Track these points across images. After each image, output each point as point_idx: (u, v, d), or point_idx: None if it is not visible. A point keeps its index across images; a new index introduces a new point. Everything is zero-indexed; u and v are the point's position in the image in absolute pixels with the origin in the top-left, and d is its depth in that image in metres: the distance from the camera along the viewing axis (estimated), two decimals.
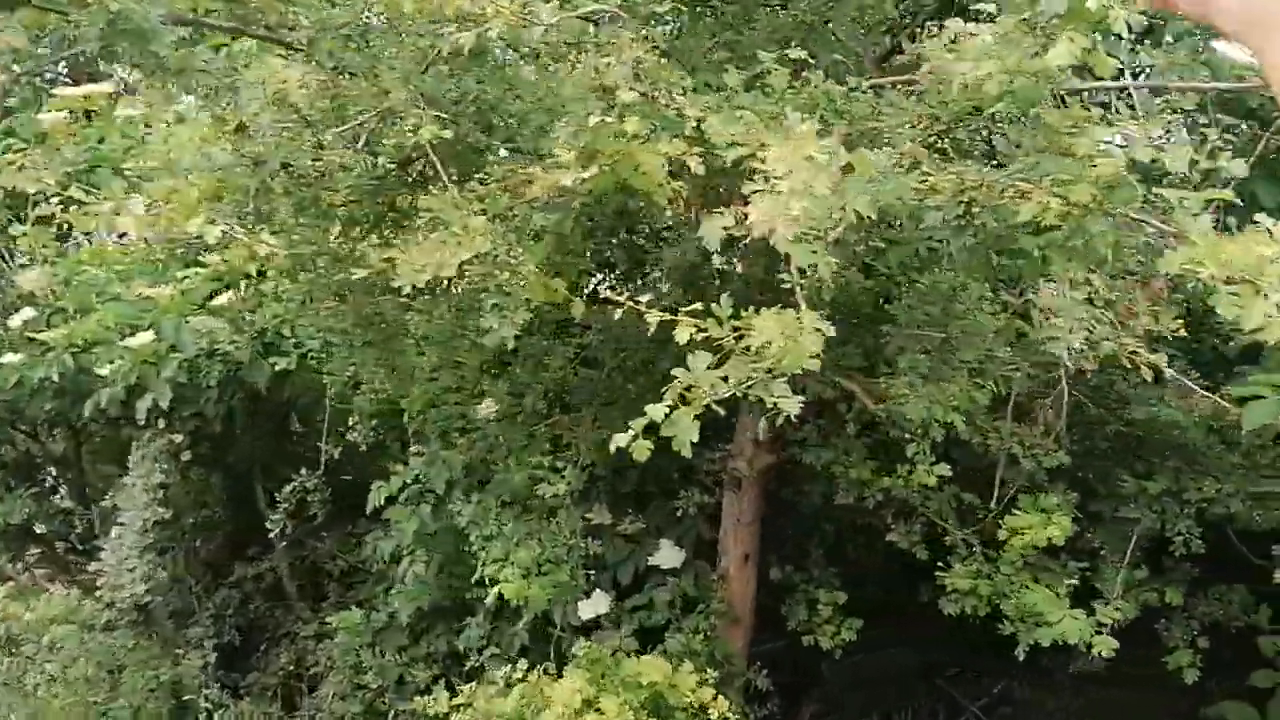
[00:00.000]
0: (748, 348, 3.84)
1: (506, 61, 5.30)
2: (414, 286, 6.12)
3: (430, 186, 6.32)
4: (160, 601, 9.88)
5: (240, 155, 4.17)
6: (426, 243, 4.20)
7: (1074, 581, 5.64)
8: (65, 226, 4.46)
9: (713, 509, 7.62)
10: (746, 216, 3.38)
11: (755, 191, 3.44)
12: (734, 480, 7.30)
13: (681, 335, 3.83)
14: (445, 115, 4.68)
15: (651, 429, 7.24)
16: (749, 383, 3.66)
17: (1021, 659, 5.61)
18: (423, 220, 4.50)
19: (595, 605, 7.46)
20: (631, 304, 3.96)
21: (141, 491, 8.70)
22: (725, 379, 3.66)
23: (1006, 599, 5.64)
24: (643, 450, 3.93)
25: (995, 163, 4.48)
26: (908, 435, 5.86)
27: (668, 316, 3.91)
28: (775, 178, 3.14)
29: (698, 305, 3.88)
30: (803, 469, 7.80)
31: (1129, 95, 4.96)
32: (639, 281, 7.79)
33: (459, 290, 5.33)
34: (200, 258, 7.26)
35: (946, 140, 4.37)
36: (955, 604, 5.99)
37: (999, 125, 4.31)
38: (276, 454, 10.24)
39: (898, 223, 4.51)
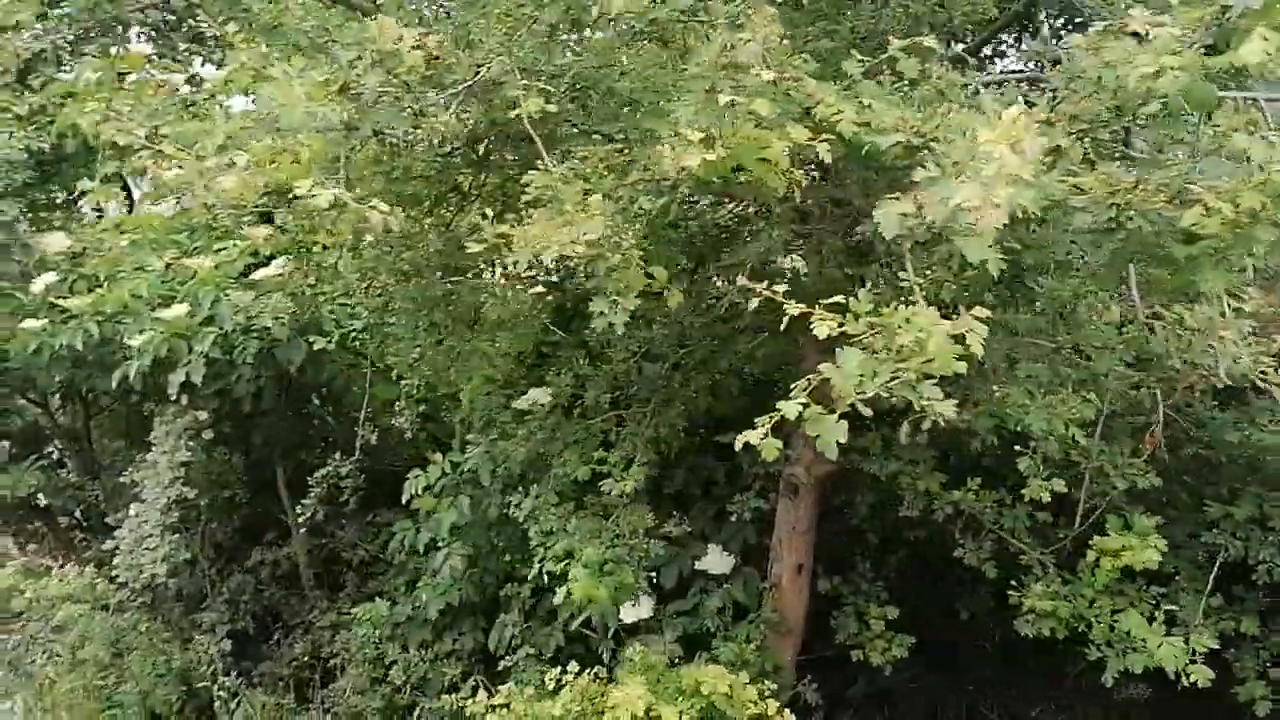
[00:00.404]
0: (885, 346, 3.67)
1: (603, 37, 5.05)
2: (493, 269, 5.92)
3: (490, 168, 6.15)
4: (172, 584, 9.59)
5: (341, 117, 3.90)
6: (544, 221, 3.96)
7: (1173, 607, 5.43)
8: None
9: (764, 515, 7.39)
10: (921, 205, 3.19)
11: (929, 178, 3.24)
12: (791, 487, 7.07)
13: (821, 330, 3.64)
14: (543, 88, 4.43)
15: (710, 429, 7.04)
16: (895, 382, 3.46)
17: (1109, 684, 5.40)
18: (529, 197, 4.28)
19: (638, 608, 7.22)
20: (769, 293, 3.75)
21: (166, 469, 8.39)
22: (873, 377, 3.46)
23: (1095, 623, 5.43)
24: (771, 450, 3.74)
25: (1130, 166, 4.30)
26: (1017, 448, 5.65)
27: (805, 309, 3.73)
28: (967, 163, 2.93)
29: (838, 299, 3.72)
30: (853, 477, 7.61)
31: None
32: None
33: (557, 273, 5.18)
34: (243, 228, 7.03)
35: (1086, 141, 4.16)
36: (1032, 625, 5.78)
37: (1142, 126, 4.09)
38: (300, 437, 9.97)
39: (1041, 223, 4.29)
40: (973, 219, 2.71)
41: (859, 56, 4.51)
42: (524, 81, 4.46)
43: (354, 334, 7.50)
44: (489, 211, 4.06)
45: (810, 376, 3.82)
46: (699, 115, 4.14)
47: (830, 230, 5.54)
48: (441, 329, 6.07)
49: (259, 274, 7.99)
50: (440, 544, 7.94)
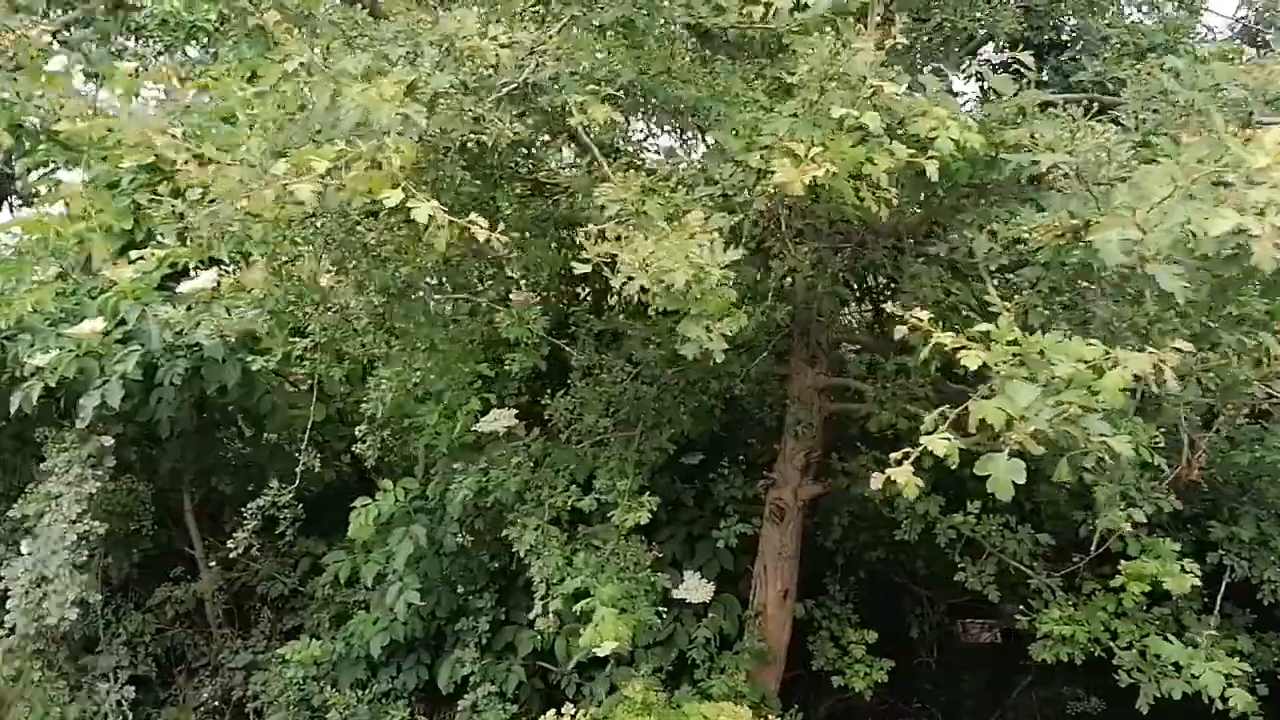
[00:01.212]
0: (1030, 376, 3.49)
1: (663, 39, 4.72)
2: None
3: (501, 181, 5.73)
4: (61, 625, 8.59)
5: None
6: (644, 240, 3.62)
7: (1213, 632, 5.48)
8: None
9: (743, 540, 7.16)
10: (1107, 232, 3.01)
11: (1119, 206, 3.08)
12: (777, 511, 6.87)
13: (972, 363, 3.43)
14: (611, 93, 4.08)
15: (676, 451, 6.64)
16: (1061, 418, 3.27)
17: (1145, 712, 5.39)
18: (609, 213, 3.92)
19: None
20: (916, 320, 3.51)
21: (71, 502, 7.48)
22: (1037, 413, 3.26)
23: (1119, 648, 5.43)
24: (911, 488, 3.51)
25: None
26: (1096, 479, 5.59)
27: (955, 338, 3.51)
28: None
29: (984, 327, 3.52)
30: (830, 500, 7.50)
31: None
32: None
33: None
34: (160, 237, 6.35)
35: None
36: (1049, 650, 5.75)
37: None
38: (212, 463, 9.13)
39: None
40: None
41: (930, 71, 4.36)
42: (591, 87, 4.10)
43: (302, 351, 6.81)
44: (595, 228, 3.65)
45: (944, 409, 3.62)
46: (798, 128, 3.89)
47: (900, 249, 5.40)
48: (442, 350, 5.58)
49: (187, 286, 7.25)
50: (391, 577, 7.36)
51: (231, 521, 9.36)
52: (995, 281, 5.89)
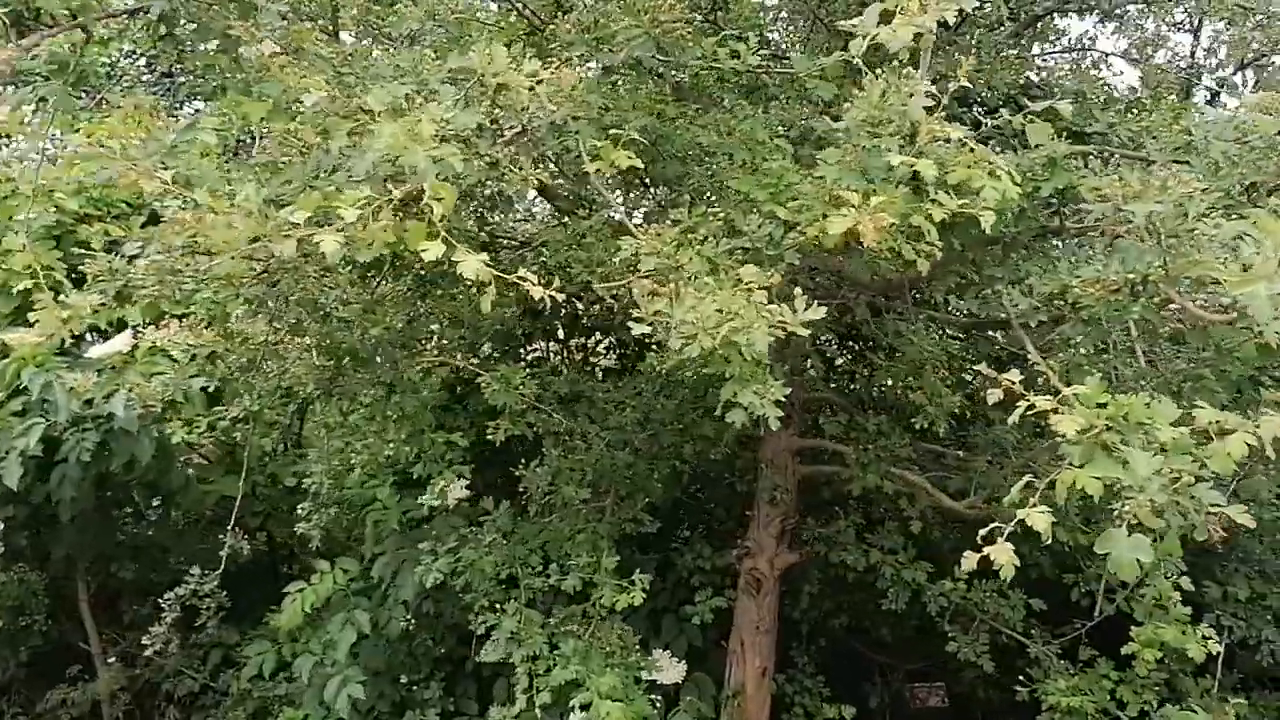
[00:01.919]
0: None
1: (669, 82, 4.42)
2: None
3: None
4: None
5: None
6: (696, 298, 3.26)
7: (1241, 701, 5.31)
8: None
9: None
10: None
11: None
12: (754, 582, 6.51)
13: (1068, 427, 3.15)
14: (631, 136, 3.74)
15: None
16: (1179, 485, 3.01)
17: None
18: (646, 267, 3.55)
19: None
20: (1010, 383, 3.21)
21: None
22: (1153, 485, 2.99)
23: (1138, 717, 5.22)
24: (1009, 567, 3.20)
25: None
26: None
27: (1049, 400, 3.22)
28: None
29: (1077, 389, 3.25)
30: (801, 568, 7.18)
31: None
32: None
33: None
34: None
35: None
36: None
37: None
38: (110, 547, 8.23)
39: None
40: None
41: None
42: (613, 130, 3.75)
43: (232, 422, 6.15)
44: (650, 286, 3.27)
45: (1031, 479, 3.34)
46: (845, 177, 3.61)
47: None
48: (411, 417, 5.06)
49: (97, 350, 6.56)
50: (331, 669, 6.67)
51: (131, 612, 8.52)
52: (995, 336, 5.75)
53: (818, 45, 4.86)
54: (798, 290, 3.15)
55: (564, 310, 7.18)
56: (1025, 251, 4.53)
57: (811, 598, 7.43)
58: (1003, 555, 3.11)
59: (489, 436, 5.18)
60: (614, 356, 8.40)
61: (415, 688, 7.12)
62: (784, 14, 5.68)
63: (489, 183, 3.67)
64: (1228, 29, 10.15)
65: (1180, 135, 4.31)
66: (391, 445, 4.93)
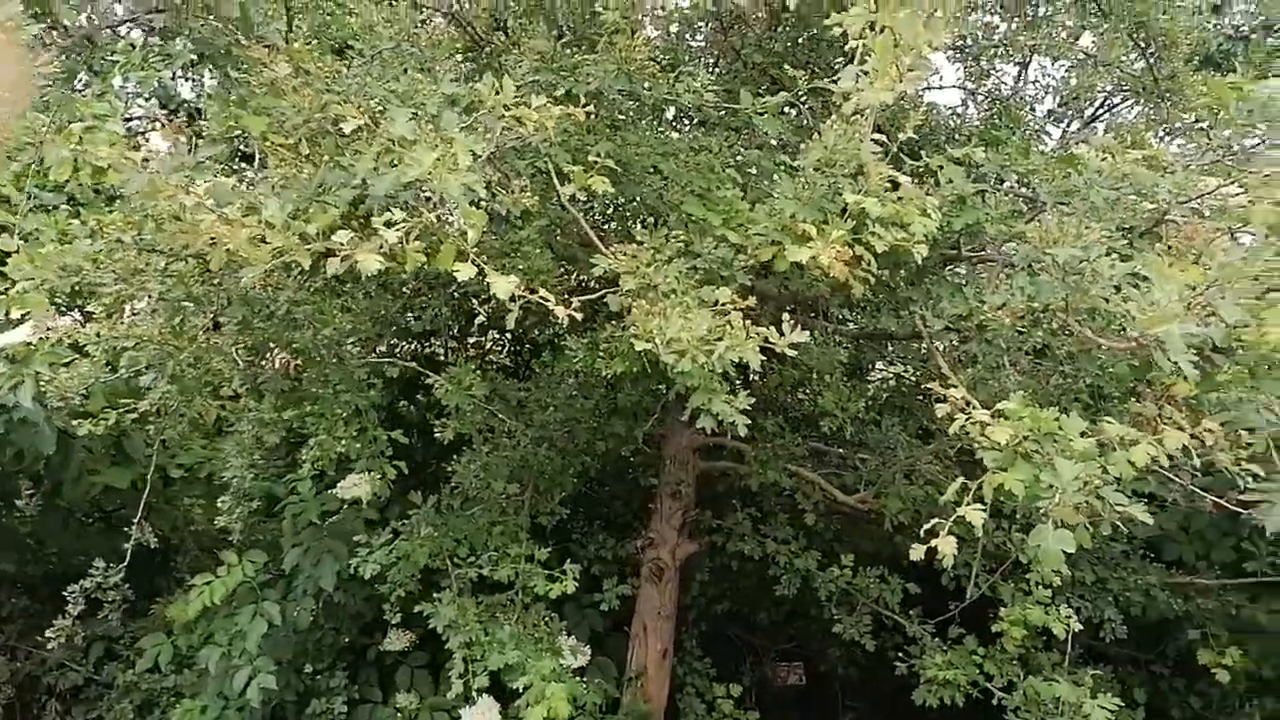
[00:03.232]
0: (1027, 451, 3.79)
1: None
2: None
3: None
4: None
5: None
6: (679, 317, 3.64)
7: (1097, 671, 6.05)
8: None
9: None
10: None
11: None
12: (656, 571, 6.94)
13: (999, 436, 3.68)
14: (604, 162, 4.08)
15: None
16: (1089, 488, 3.58)
17: None
18: (627, 286, 3.91)
19: (484, 713, 6.62)
20: (952, 398, 3.71)
21: None
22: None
23: (1013, 690, 5.90)
24: (950, 556, 3.69)
25: None
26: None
27: (986, 415, 3.74)
28: None
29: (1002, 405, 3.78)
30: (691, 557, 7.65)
31: None
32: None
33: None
34: None
35: None
36: (933, 694, 6.15)
37: None
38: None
39: None
40: None
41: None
42: (592, 158, 4.07)
43: (144, 417, 6.11)
44: (646, 306, 3.60)
45: (964, 481, 3.84)
46: (803, 211, 4.06)
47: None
48: (364, 415, 5.22)
49: (2, 339, 6.38)
50: (239, 660, 6.71)
51: (9, 605, 8.24)
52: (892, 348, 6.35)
53: (761, 87, 5.29)
54: (786, 315, 3.56)
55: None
56: (934, 277, 5.11)
57: (701, 585, 7.92)
58: (946, 548, 3.60)
59: (436, 435, 5.41)
60: (509, 356, 8.68)
61: (320, 677, 7.23)
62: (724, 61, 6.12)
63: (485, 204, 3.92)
64: (1054, 64, 11.21)
65: (1063, 180, 4.96)
66: (343, 443, 5.08)
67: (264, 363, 5.86)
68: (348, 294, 5.91)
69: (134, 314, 5.56)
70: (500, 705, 6.45)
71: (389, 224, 3.10)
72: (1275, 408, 4.32)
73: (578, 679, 5.59)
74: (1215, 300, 3.23)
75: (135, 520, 6.55)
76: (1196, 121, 6.89)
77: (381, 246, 3.07)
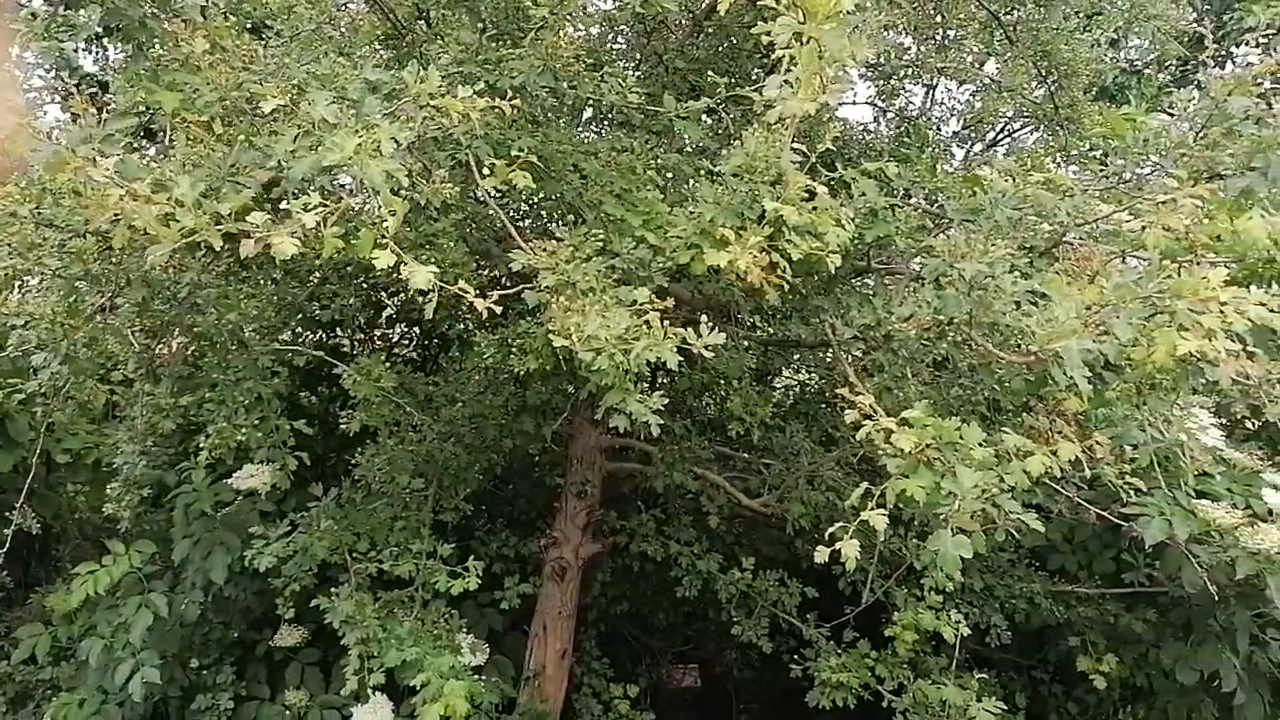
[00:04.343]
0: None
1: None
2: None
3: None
4: None
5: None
6: (597, 315, 3.65)
7: (983, 675, 6.24)
8: None
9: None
10: None
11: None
12: (559, 570, 6.93)
13: (904, 443, 3.78)
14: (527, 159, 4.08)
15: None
16: (986, 496, 3.70)
17: None
18: (547, 282, 3.90)
19: (376, 712, 6.53)
20: (861, 405, 3.79)
21: None
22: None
23: (902, 693, 6.05)
24: (852, 561, 3.77)
25: None
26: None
27: (891, 421, 3.83)
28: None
29: (908, 413, 3.88)
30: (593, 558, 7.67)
31: None
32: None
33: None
34: None
35: None
36: (826, 696, 6.27)
37: None
38: None
39: None
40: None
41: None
42: (515, 152, 4.06)
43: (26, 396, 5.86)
44: (564, 302, 3.60)
45: (868, 486, 3.93)
46: (722, 216, 4.10)
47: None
48: (266, 404, 5.08)
49: None
50: (121, 653, 6.47)
51: None
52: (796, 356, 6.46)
53: (682, 92, 5.34)
54: (704, 317, 3.60)
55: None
56: (844, 287, 5.23)
57: (603, 585, 7.94)
58: (850, 551, 3.68)
59: (342, 426, 5.31)
60: (417, 350, 8.58)
61: (206, 672, 7.03)
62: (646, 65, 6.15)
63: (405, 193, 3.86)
64: (960, 87, 11.57)
65: (969, 198, 5.12)
66: (243, 431, 4.95)
67: (161, 346, 5.67)
68: (253, 279, 5.77)
69: (25, 291, 5.37)
70: (393, 704, 6.40)
71: (306, 207, 3.05)
72: (1159, 425, 4.55)
73: (475, 677, 5.54)
74: (1110, 319, 3.38)
75: (16, 505, 6.31)
76: (1092, 149, 7.19)
77: (298, 230, 3.01)
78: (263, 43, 4.22)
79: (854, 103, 11.06)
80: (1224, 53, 11.99)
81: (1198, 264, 3.99)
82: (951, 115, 11.63)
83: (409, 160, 3.90)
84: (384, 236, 3.14)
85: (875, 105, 10.37)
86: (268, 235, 2.99)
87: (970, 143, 11.90)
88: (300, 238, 3.05)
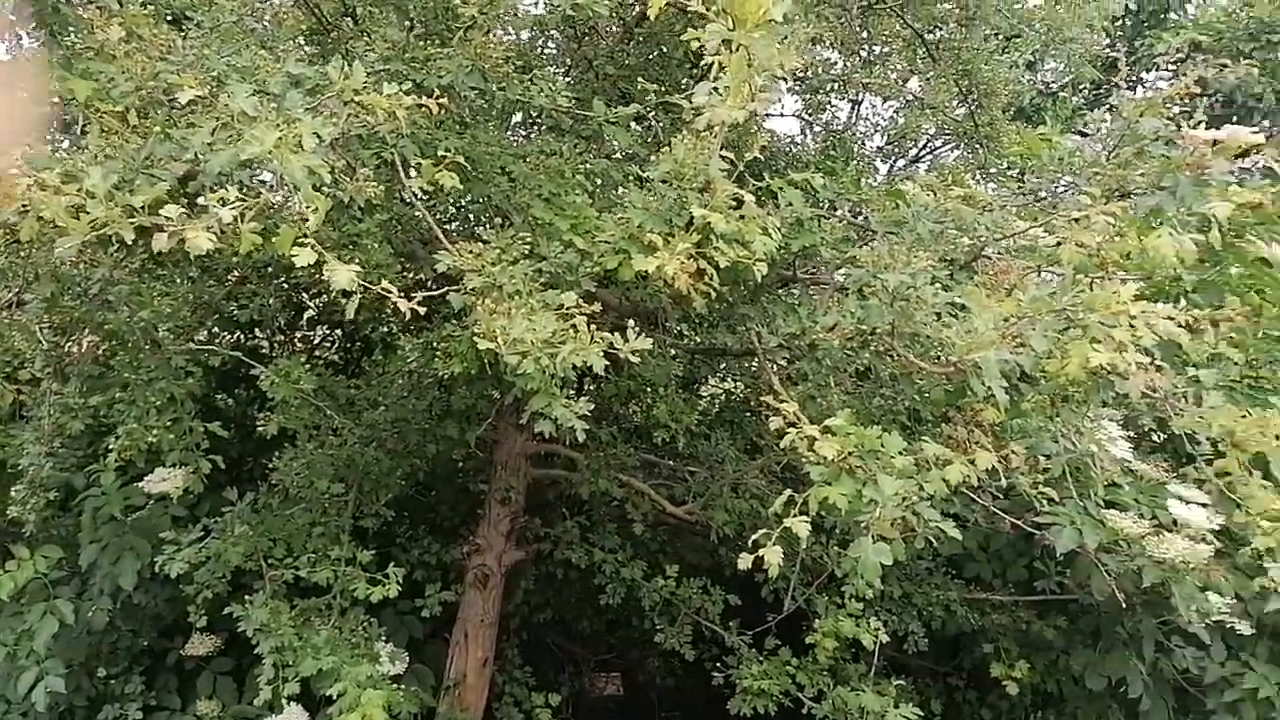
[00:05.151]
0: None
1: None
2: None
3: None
4: None
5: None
6: (524, 318, 3.63)
7: (901, 682, 6.31)
8: None
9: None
10: None
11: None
12: (482, 577, 6.85)
13: (828, 451, 3.81)
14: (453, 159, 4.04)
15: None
16: (907, 504, 3.75)
17: None
18: (472, 285, 3.86)
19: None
20: (785, 412, 3.81)
21: None
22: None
23: (822, 699, 6.10)
24: (775, 566, 3.78)
25: None
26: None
27: (816, 428, 3.86)
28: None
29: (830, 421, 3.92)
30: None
31: None
32: None
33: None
34: None
35: None
36: (747, 703, 6.29)
37: None
38: None
39: None
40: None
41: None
42: (442, 153, 4.02)
43: None
44: (490, 305, 3.56)
45: (791, 494, 3.95)
46: (650, 222, 4.11)
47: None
48: (180, 405, 4.93)
49: None
50: (25, 661, 6.23)
51: None
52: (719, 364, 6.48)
53: (614, 98, 5.34)
54: (630, 321, 3.60)
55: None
56: (770, 295, 5.27)
57: (526, 593, 7.88)
58: (773, 557, 3.70)
59: (257, 430, 5.19)
60: (339, 352, 8.44)
61: (114, 681, 6.81)
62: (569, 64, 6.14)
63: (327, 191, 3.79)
64: (884, 104, 11.80)
65: (893, 211, 5.21)
66: (154, 433, 4.80)
67: (71, 344, 5.49)
68: (168, 277, 5.62)
69: None
70: (309, 714, 6.26)
71: (223, 202, 2.97)
72: (1070, 436, 4.66)
73: (394, 686, 5.44)
74: (1026, 331, 3.46)
75: None
76: (1010, 167, 7.37)
77: (214, 225, 2.94)
78: (182, 34, 4.12)
79: (781, 115, 11.20)
80: (1135, 77, 12.42)
81: (1110, 280, 4.11)
82: (876, 130, 11.84)
83: (332, 157, 3.84)
84: (305, 234, 3.08)
85: (802, 119, 10.51)
86: (182, 229, 2.91)
87: (894, 158, 12.15)
88: (217, 233, 2.98)
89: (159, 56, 3.74)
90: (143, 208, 3.09)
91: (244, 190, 3.09)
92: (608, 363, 3.71)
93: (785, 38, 4.16)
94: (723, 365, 7.26)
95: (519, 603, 7.90)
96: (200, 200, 2.99)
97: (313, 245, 3.07)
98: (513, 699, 7.47)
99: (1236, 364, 4.47)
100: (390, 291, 3.18)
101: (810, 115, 10.60)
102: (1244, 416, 3.90)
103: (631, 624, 7.96)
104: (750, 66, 3.21)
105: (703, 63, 3.25)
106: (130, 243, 3.06)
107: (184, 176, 3.49)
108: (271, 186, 3.80)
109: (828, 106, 9.98)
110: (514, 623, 8.10)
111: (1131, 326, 3.23)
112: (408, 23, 4.78)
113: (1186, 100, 4.64)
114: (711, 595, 6.84)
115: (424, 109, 3.51)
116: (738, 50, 3.20)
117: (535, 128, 5.30)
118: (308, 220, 3.05)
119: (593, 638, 9.11)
